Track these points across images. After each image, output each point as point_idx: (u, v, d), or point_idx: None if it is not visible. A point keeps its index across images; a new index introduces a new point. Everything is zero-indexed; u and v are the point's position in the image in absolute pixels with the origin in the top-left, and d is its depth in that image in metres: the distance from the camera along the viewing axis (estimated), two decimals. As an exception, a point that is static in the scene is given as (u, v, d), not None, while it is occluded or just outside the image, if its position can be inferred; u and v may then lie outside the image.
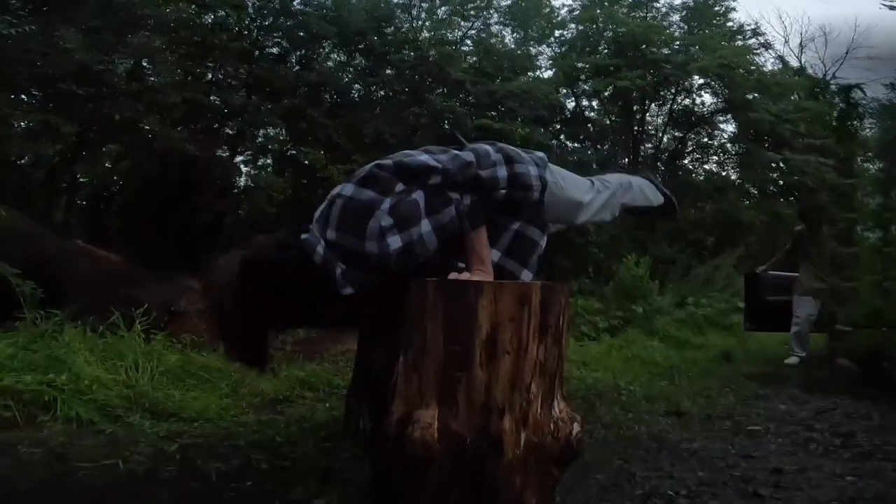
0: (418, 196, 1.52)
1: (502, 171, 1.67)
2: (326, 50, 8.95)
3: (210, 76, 7.73)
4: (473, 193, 1.59)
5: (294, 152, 8.37)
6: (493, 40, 12.07)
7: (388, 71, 8.45)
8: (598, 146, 13.95)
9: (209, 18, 7.61)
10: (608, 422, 2.68)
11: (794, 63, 18.11)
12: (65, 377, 2.29)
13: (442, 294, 1.33)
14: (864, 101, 15.17)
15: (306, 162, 7.44)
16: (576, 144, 13.43)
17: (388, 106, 8.28)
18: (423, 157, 1.60)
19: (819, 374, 4.37)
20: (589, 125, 13.48)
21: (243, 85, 7.78)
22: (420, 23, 11.42)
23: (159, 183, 7.15)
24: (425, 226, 1.50)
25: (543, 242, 1.79)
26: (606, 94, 12.01)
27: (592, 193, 1.94)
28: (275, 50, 8.29)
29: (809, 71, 17.25)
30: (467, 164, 1.62)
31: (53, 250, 3.71)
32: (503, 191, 1.66)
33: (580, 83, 12.37)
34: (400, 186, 1.52)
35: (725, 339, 5.96)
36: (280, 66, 8.02)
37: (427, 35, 10.79)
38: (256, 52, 8.00)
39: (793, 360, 4.95)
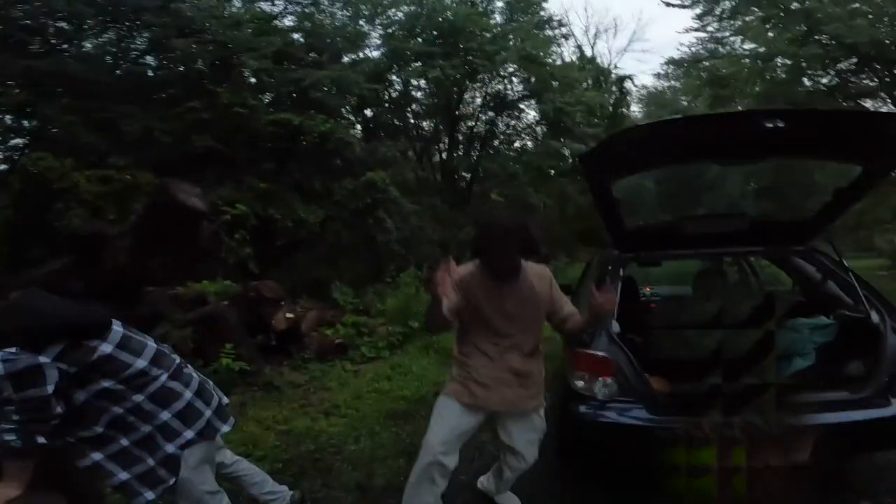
0: None
1: None
2: (90, 30, 7.51)
3: None
4: None
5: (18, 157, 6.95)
6: (319, 16, 11.41)
7: (163, 57, 7.48)
8: (422, 126, 14.24)
9: None
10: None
11: (589, 53, 20.07)
12: None
13: None
14: (634, 90, 17.46)
15: (35, 171, 5.96)
16: (398, 122, 13.55)
17: (159, 98, 7.35)
18: None
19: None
20: (413, 105, 13.64)
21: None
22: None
23: None
24: None
25: None
26: (422, 81, 12.16)
27: None
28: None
29: (599, 61, 19.24)
30: None
31: None
32: None
33: (404, 65, 12.36)
34: None
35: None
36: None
37: (234, 10, 9.74)
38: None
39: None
